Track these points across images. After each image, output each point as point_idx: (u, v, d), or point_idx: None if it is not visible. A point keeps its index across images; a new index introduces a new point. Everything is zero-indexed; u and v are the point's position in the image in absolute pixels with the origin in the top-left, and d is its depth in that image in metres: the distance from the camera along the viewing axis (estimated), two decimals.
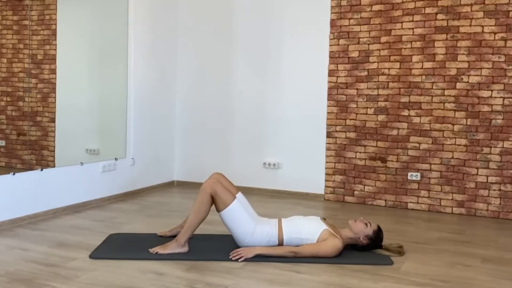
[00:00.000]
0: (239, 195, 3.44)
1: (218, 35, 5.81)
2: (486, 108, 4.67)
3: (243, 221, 3.28)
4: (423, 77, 4.88)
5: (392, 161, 5.03)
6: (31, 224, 4.04)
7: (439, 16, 4.80)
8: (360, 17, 5.09)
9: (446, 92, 4.80)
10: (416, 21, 4.88)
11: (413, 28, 4.89)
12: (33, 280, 2.83)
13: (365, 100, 5.12)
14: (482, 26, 4.65)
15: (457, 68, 4.76)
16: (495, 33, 4.61)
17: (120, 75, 5.21)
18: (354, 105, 5.17)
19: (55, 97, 4.56)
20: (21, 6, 4.31)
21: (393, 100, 5.01)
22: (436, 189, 4.87)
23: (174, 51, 5.97)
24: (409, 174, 4.96)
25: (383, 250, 3.43)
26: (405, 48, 4.94)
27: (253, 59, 5.64)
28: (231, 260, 3.19)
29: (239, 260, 3.18)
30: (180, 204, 5.02)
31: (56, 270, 2.98)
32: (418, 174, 4.92)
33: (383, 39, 5.01)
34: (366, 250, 3.40)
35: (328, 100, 5.28)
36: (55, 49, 4.54)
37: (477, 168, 4.71)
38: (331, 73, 5.25)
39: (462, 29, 4.72)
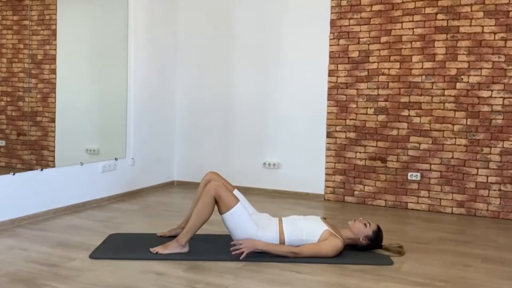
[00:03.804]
0: (236, 192, 3.46)
1: (218, 35, 5.81)
2: (486, 108, 4.67)
3: (245, 225, 3.27)
4: (423, 77, 4.88)
5: (392, 161, 5.03)
6: (31, 224, 4.04)
7: (439, 16, 4.80)
8: (360, 17, 5.09)
9: (446, 92, 4.80)
10: (416, 21, 4.88)
11: (413, 28, 4.89)
12: (33, 280, 2.83)
13: (365, 100, 5.12)
14: (482, 26, 4.65)
15: (457, 68, 4.76)
16: (495, 33, 4.61)
17: (120, 75, 5.21)
18: (354, 105, 5.17)
19: (55, 97, 4.56)
20: (21, 6, 4.31)
21: (393, 100, 5.01)
22: (436, 189, 4.87)
23: (174, 51, 5.97)
24: (409, 174, 4.96)
25: (383, 250, 3.43)
26: (405, 48, 4.94)
27: (253, 59, 5.64)
28: (231, 260, 3.19)
29: (241, 258, 3.16)
30: (180, 204, 5.02)
31: (56, 270, 2.98)
32: (418, 174, 4.92)
33: (383, 39, 5.01)
34: (366, 250, 3.40)
35: (328, 100, 5.28)
36: (55, 49, 4.53)
37: (477, 168, 4.71)
38: (331, 73, 5.25)
39: (462, 29, 4.72)
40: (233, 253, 3.19)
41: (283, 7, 5.46)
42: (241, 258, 3.17)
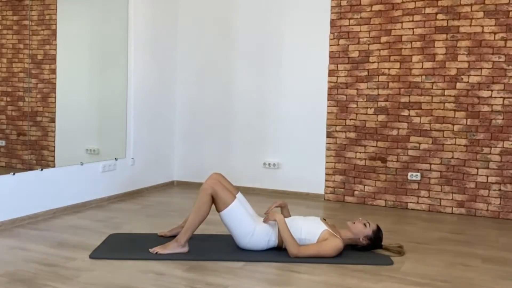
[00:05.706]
0: (239, 195, 3.45)
1: (218, 34, 5.80)
2: (486, 108, 4.67)
3: (243, 221, 3.28)
4: (423, 77, 4.88)
5: (392, 161, 5.03)
6: (31, 224, 4.05)
7: (439, 16, 4.80)
8: (360, 17, 5.09)
9: (446, 92, 4.80)
10: (416, 21, 4.88)
11: (413, 28, 4.89)
12: (33, 280, 2.83)
13: (365, 100, 5.12)
14: (482, 26, 4.65)
15: (457, 68, 4.76)
16: (495, 33, 4.61)
17: (120, 75, 5.21)
18: (354, 105, 5.17)
19: (55, 97, 4.56)
20: (21, 6, 4.31)
21: (393, 100, 5.01)
22: (436, 189, 4.87)
23: (174, 51, 5.97)
24: (409, 174, 4.96)
25: (383, 250, 3.43)
26: (405, 48, 4.94)
27: (253, 59, 5.64)
28: (231, 260, 3.19)
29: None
30: (180, 204, 5.02)
31: (56, 270, 2.98)
32: (418, 174, 4.92)
33: (383, 39, 5.01)
34: (366, 250, 3.40)
35: (328, 100, 5.28)
36: (55, 49, 4.54)
37: (477, 168, 4.71)
38: (331, 73, 5.25)
39: (462, 29, 4.72)
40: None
41: (283, 7, 5.46)
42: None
